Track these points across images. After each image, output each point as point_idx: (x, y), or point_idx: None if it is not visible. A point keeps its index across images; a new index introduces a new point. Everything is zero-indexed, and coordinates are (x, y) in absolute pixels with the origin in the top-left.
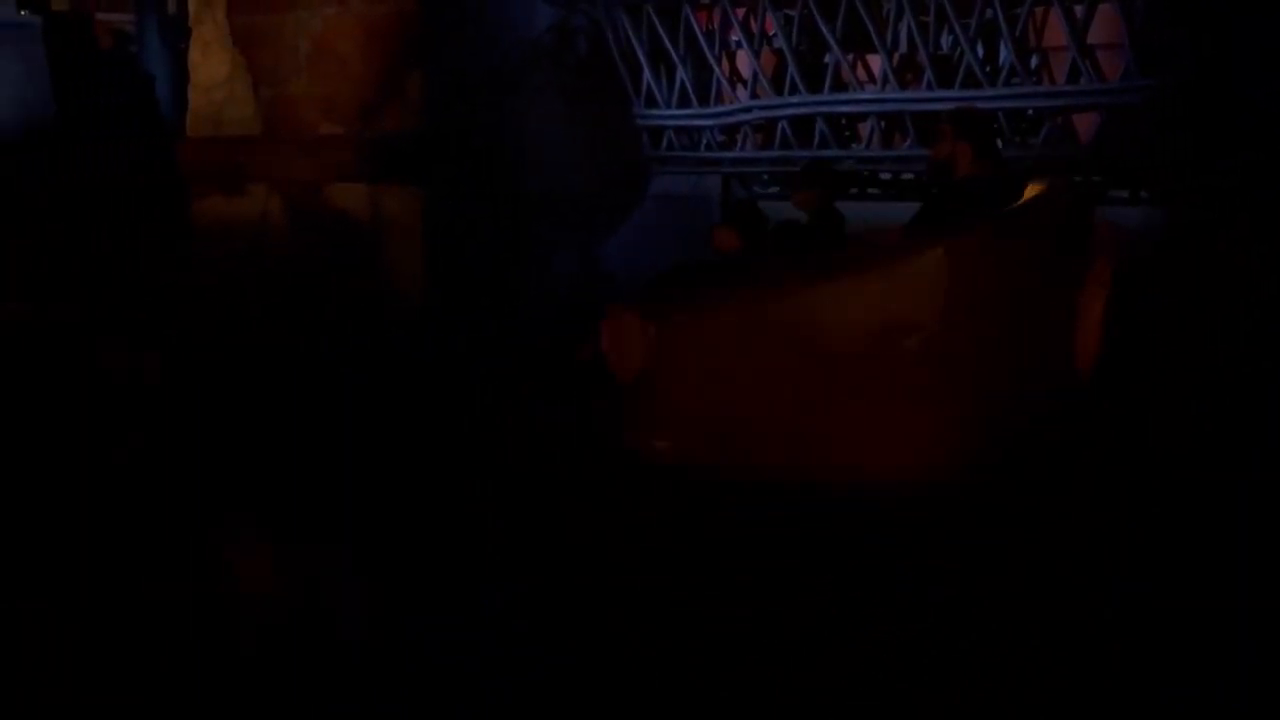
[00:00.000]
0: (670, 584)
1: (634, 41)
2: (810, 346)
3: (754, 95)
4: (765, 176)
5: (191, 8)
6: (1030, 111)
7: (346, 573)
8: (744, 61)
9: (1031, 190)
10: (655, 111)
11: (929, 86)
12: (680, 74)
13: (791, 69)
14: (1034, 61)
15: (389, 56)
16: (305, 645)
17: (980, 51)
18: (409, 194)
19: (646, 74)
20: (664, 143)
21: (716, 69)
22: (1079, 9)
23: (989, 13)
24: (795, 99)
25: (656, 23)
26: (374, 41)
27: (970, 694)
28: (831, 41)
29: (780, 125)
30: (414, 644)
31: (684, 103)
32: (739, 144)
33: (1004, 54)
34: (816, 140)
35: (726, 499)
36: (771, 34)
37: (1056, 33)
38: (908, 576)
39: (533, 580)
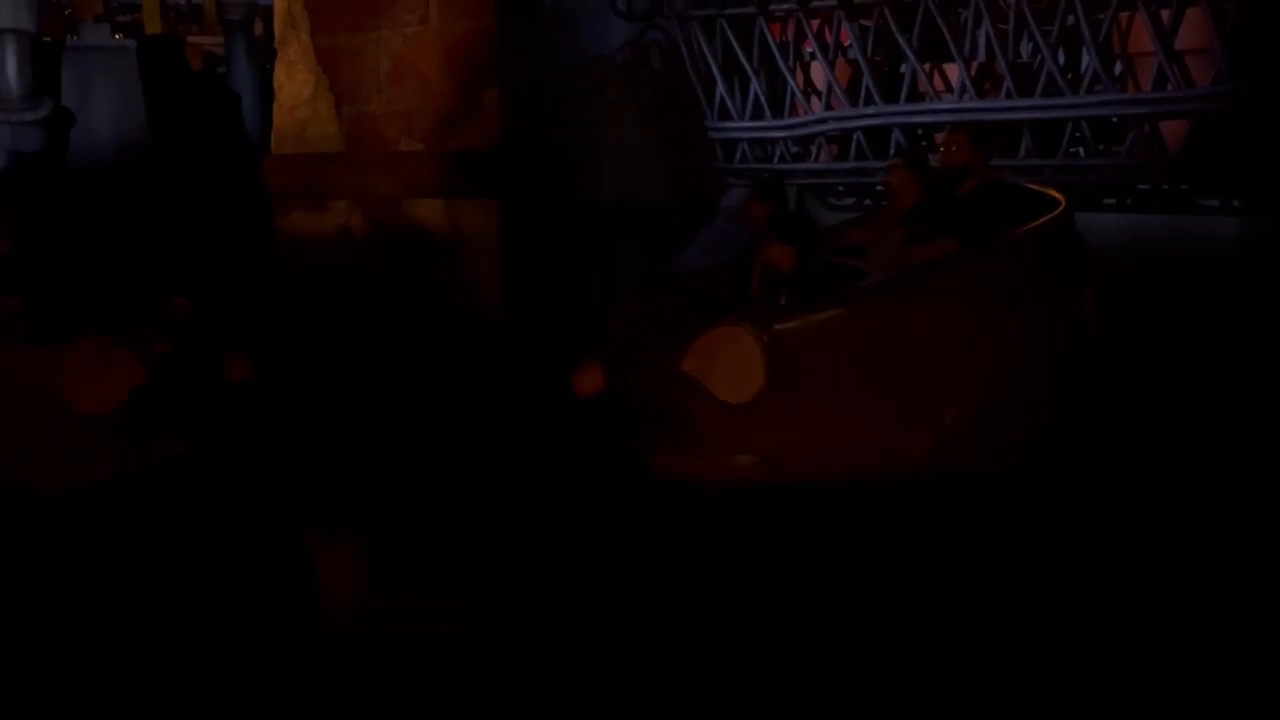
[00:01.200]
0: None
1: (708, 54)
2: (900, 354)
3: (828, 106)
4: (840, 188)
5: (277, 29)
6: (1115, 119)
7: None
8: (818, 73)
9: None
10: (728, 124)
11: (1008, 95)
12: (754, 86)
13: (867, 79)
14: (1118, 68)
15: (467, 73)
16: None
17: (1061, 58)
18: (485, 208)
19: (720, 86)
20: (737, 155)
21: (790, 81)
22: (1165, 13)
23: (1070, 19)
24: (871, 110)
25: (730, 35)
26: (453, 59)
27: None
28: (908, 51)
29: (855, 136)
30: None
31: (757, 115)
32: (813, 156)
33: (1086, 60)
34: (892, 151)
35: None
36: (847, 45)
37: (1142, 38)
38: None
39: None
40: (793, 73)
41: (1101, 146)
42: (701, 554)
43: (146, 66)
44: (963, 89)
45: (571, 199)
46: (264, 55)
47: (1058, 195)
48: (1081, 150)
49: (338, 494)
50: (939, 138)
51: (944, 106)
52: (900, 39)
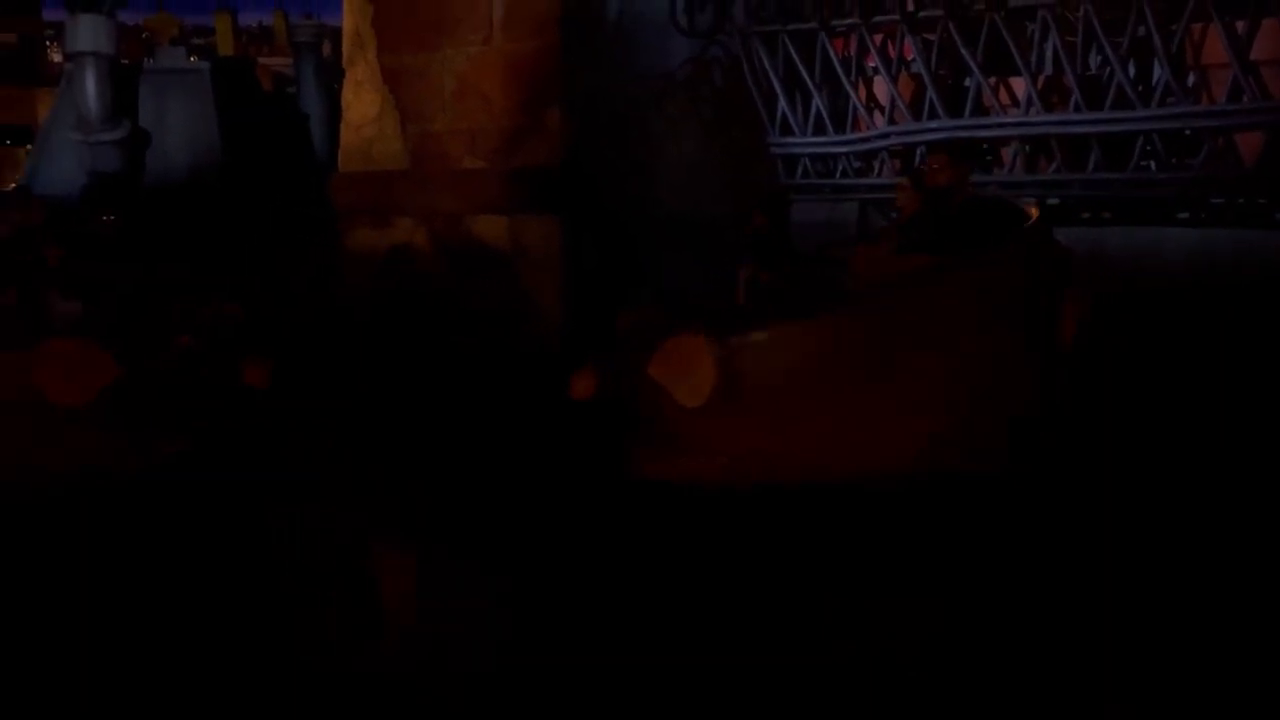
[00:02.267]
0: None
1: (769, 70)
2: (863, 364)
3: (891, 121)
4: None
5: (345, 50)
6: (1188, 132)
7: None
8: (881, 87)
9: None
10: (790, 139)
11: (1076, 108)
12: (816, 101)
13: (931, 93)
14: (1191, 79)
15: (529, 91)
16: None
17: (1131, 70)
18: (547, 224)
19: (782, 102)
20: (799, 170)
21: (853, 95)
22: (1240, 24)
23: (1141, 30)
24: (934, 124)
25: (793, 51)
26: (516, 77)
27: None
28: (972, 65)
29: (919, 151)
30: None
31: (820, 130)
32: (876, 170)
33: (1158, 72)
34: None
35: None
36: (910, 59)
37: (1215, 49)
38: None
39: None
40: (855, 87)
41: (1174, 160)
42: (687, 559)
43: (219, 87)
44: (1029, 102)
45: (630, 214)
46: (332, 76)
47: (1032, 210)
48: (1153, 164)
49: (400, 500)
50: (1004, 153)
51: (1010, 120)
52: (965, 52)
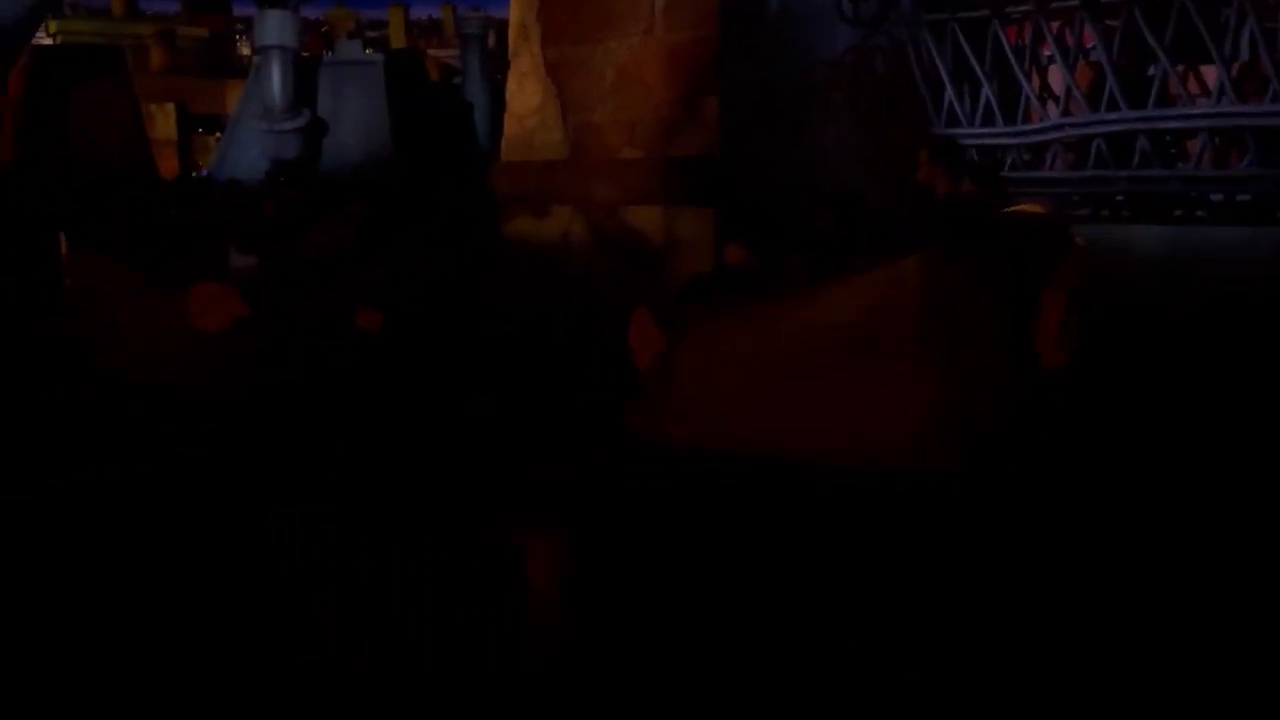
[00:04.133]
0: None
1: (937, 59)
2: (797, 347)
3: (1066, 112)
4: (1075, 198)
5: (511, 42)
6: None
7: None
8: (1056, 77)
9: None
10: (957, 130)
11: (1274, 98)
12: (985, 91)
13: (1111, 83)
14: None
15: (688, 81)
16: None
17: None
18: (702, 215)
19: (949, 92)
20: None
21: (1026, 85)
22: None
23: None
24: (1114, 115)
25: (962, 40)
26: (675, 67)
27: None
28: (1160, 52)
29: (1095, 144)
30: None
31: (988, 121)
32: (1048, 163)
33: None
34: (1136, 159)
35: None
36: (1089, 47)
37: None
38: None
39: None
40: (1028, 77)
41: None
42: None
43: (391, 79)
44: (1221, 92)
45: (786, 207)
46: (496, 67)
47: (1034, 209)
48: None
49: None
50: (1190, 145)
51: (1198, 111)
52: (1151, 39)
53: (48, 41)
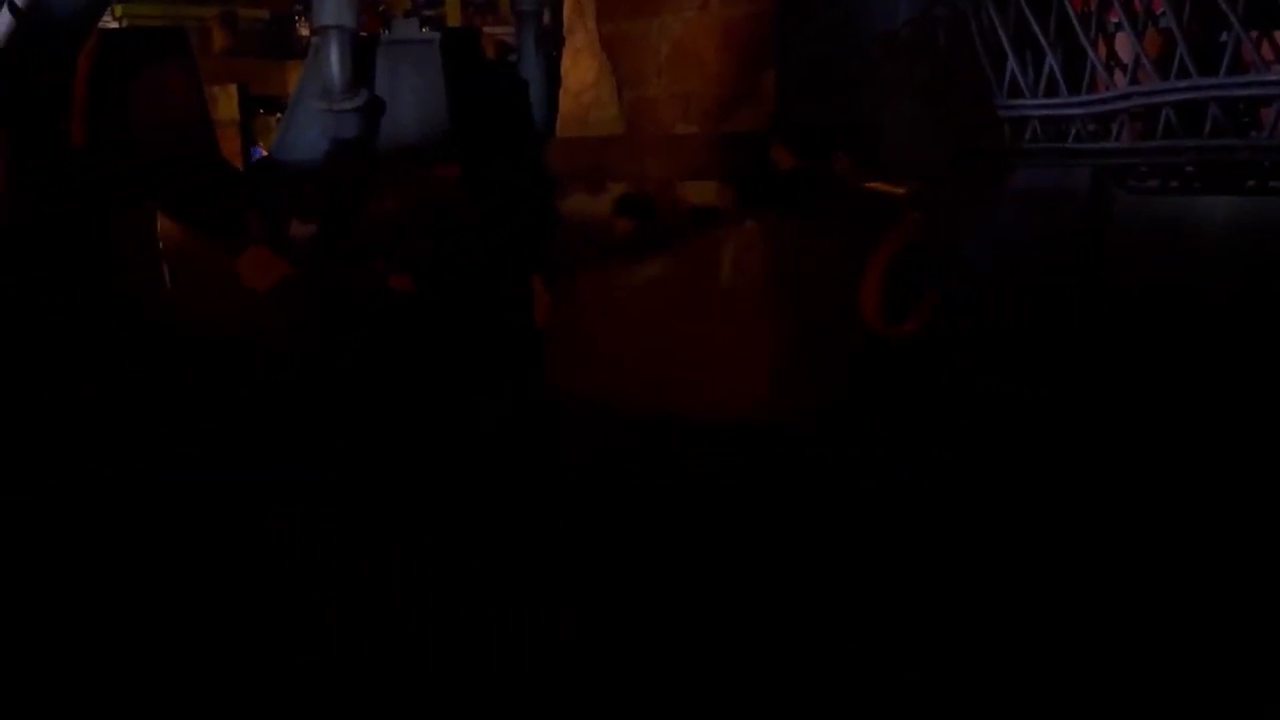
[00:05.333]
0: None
1: (999, 29)
2: (654, 304)
3: (1134, 81)
4: (1143, 169)
5: (565, 18)
6: None
7: None
8: (1124, 44)
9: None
10: (1019, 101)
11: None
12: (1049, 61)
13: (1181, 49)
14: None
15: (744, 55)
16: None
17: None
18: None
19: (1011, 62)
20: (1027, 134)
21: (1091, 54)
22: None
23: None
24: (1184, 83)
25: (1025, 8)
26: (731, 41)
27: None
28: (1232, 17)
29: (1164, 112)
30: None
31: (1052, 91)
32: (1114, 134)
33: None
34: (1208, 128)
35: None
36: (1159, 13)
37: None
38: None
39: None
40: (1094, 45)
41: None
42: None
43: (448, 56)
44: None
45: (844, 182)
46: (551, 43)
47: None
48: None
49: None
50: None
51: (1273, 77)
52: (1223, 3)
53: (113, 25)
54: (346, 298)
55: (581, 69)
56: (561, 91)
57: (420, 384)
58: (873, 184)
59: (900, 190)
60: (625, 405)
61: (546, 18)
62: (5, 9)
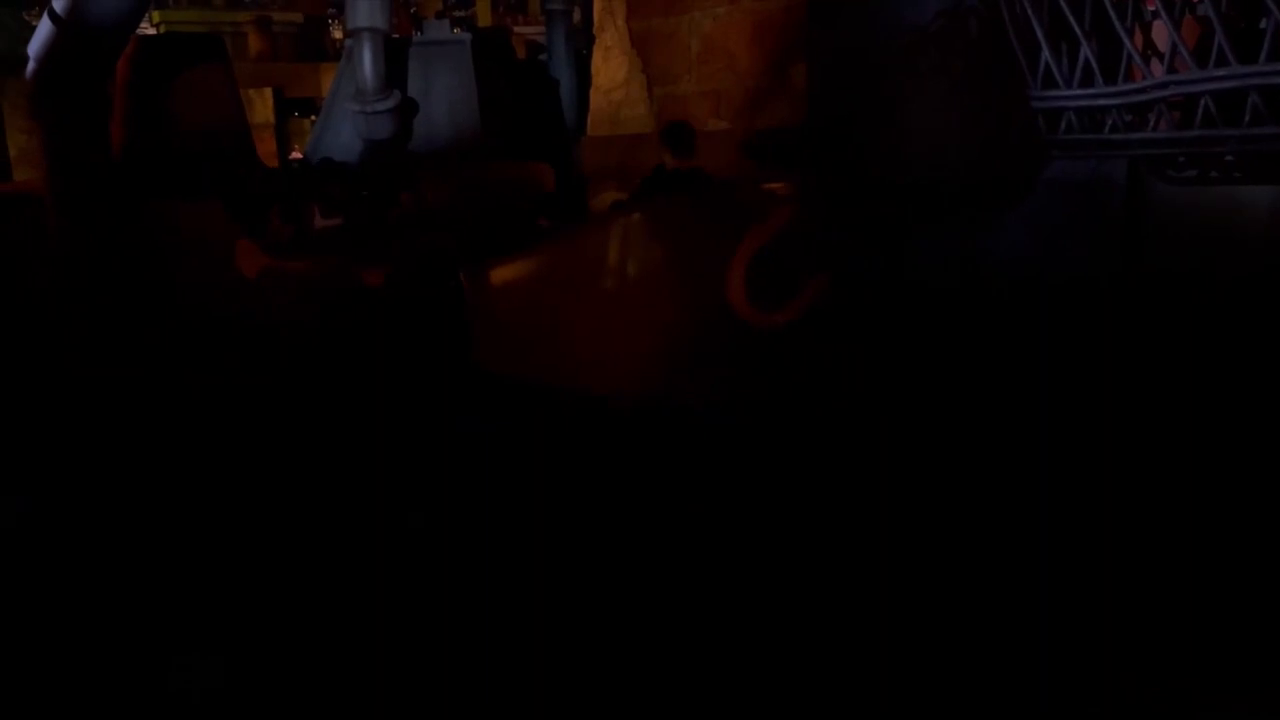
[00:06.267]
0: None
1: (1032, 18)
2: (554, 288)
3: (1171, 69)
4: (1181, 159)
5: (596, 17)
6: None
7: None
8: (1160, 32)
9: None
10: (1053, 93)
11: None
12: (1084, 51)
13: (1219, 37)
14: None
15: (774, 51)
16: None
17: None
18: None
19: (1045, 53)
20: (1061, 126)
21: (1127, 43)
22: None
23: None
24: (1223, 71)
25: None
26: (761, 37)
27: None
28: (1270, 4)
29: (1202, 101)
30: None
31: (1087, 81)
32: (1151, 124)
33: None
34: (1248, 117)
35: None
36: (1196, 1)
37: None
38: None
39: None
40: (1130, 34)
41: None
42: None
43: (479, 57)
44: None
45: (877, 175)
46: (581, 42)
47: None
48: None
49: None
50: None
51: None
52: None
53: (151, 31)
54: (316, 288)
55: (612, 67)
56: (592, 90)
57: (358, 364)
58: (766, 182)
59: (780, 187)
60: (530, 379)
61: (577, 16)
62: (46, 17)
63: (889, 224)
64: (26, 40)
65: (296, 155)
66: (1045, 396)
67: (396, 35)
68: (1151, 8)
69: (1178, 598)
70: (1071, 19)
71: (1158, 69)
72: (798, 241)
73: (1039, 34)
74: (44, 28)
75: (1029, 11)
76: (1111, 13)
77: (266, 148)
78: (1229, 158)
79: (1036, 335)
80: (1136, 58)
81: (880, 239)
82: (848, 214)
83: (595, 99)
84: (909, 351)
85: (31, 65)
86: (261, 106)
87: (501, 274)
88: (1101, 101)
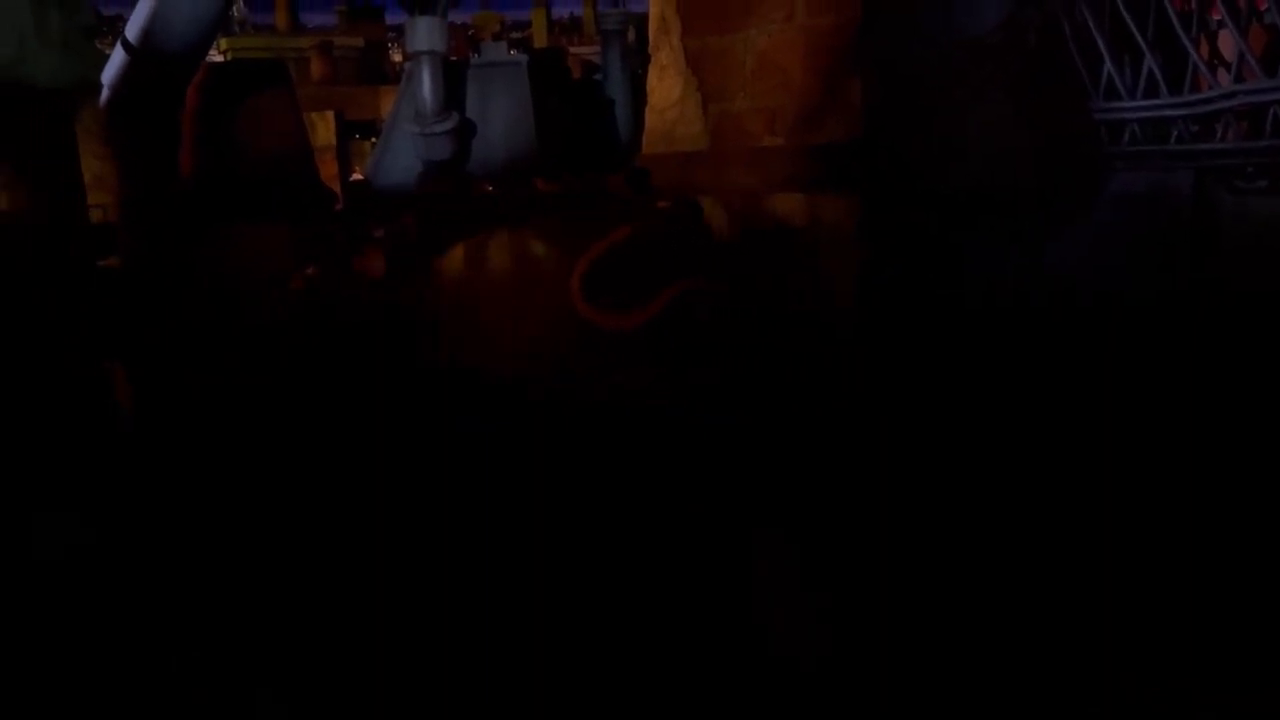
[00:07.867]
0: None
1: (1094, 29)
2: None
3: (1239, 79)
4: (1250, 169)
5: (651, 36)
6: None
7: None
8: (1227, 42)
9: None
10: (1117, 104)
11: None
12: (1147, 61)
13: None
14: None
15: (830, 66)
16: None
17: None
18: (845, 202)
19: (1107, 64)
20: (1125, 137)
21: (1193, 53)
22: None
23: None
24: None
25: (1121, 8)
26: (816, 52)
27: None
28: None
29: (1271, 111)
30: None
31: (1151, 92)
32: (1219, 134)
33: None
34: None
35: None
36: (1264, 9)
37: None
38: None
39: None
40: (1195, 44)
41: None
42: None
43: (535, 78)
44: None
45: (936, 189)
46: (636, 61)
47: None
48: None
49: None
50: None
51: None
52: None
53: (219, 59)
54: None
55: (667, 86)
56: (647, 109)
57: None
58: (662, 201)
59: (666, 204)
60: (451, 365)
61: (631, 36)
62: (120, 46)
63: (940, 236)
64: (101, 68)
65: (358, 177)
66: (1098, 412)
67: (454, 58)
68: (1217, 17)
69: (1177, 598)
70: (1135, 30)
71: (1224, 78)
72: (643, 254)
73: (1101, 45)
74: (117, 56)
75: (1090, 23)
76: (1176, 22)
77: (328, 170)
78: None
79: (1097, 352)
80: (1202, 67)
81: (930, 251)
82: (900, 225)
83: (650, 118)
84: (954, 367)
85: (105, 92)
86: (323, 129)
87: (434, 265)
88: (1167, 112)
